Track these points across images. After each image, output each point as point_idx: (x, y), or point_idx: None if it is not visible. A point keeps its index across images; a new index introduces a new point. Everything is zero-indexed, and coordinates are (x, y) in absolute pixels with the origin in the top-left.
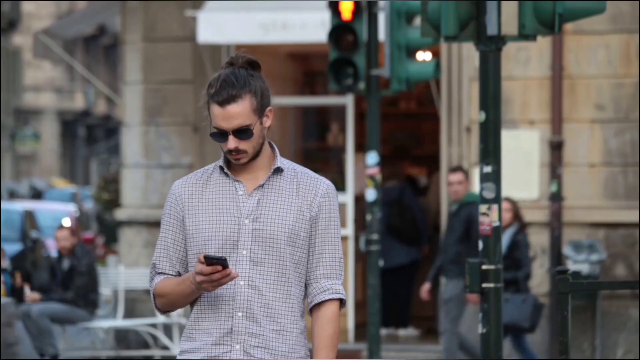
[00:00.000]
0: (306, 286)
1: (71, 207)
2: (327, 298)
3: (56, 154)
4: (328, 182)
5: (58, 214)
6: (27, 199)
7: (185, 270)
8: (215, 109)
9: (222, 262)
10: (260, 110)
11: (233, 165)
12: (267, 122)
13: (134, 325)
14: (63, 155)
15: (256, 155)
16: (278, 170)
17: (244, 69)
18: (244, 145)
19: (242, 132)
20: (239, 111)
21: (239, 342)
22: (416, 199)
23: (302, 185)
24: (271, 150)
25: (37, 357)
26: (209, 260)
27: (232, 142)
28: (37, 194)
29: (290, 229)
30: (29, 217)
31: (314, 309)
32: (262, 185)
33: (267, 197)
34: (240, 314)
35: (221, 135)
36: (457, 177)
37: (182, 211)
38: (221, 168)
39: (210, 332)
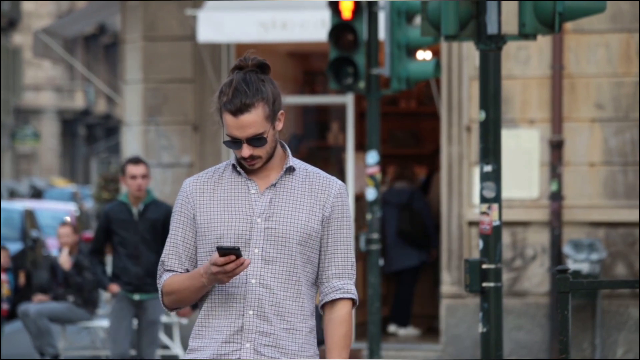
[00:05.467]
0: (318, 285)
1: (71, 206)
2: (338, 297)
3: (56, 153)
4: (340, 182)
5: (58, 213)
6: (27, 198)
7: (195, 268)
8: (228, 118)
9: (236, 252)
10: (272, 117)
11: None
12: (279, 125)
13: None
14: (63, 155)
15: (269, 157)
16: (290, 170)
17: (254, 74)
18: (258, 151)
19: (256, 140)
20: (252, 120)
21: (250, 340)
22: (426, 204)
23: (315, 185)
24: (283, 150)
25: (38, 357)
26: (222, 251)
27: (246, 151)
28: (37, 193)
29: (302, 229)
30: (29, 217)
31: (325, 307)
32: (274, 185)
33: (279, 197)
34: (251, 312)
35: (235, 143)
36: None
37: (192, 209)
38: (233, 166)
39: (221, 330)
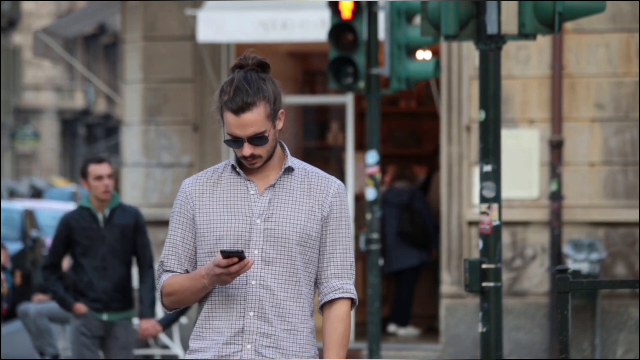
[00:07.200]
0: (317, 285)
1: (71, 206)
2: (337, 297)
3: (56, 153)
4: (339, 182)
5: (58, 213)
6: (27, 198)
7: (194, 269)
8: (229, 116)
9: (239, 254)
10: (273, 115)
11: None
12: (280, 124)
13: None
14: (63, 154)
15: (269, 157)
16: (289, 170)
17: (255, 73)
18: (258, 150)
19: (257, 139)
20: (253, 119)
21: (251, 341)
22: (427, 204)
23: (313, 185)
24: (282, 150)
25: (38, 357)
26: (225, 254)
27: (247, 149)
28: (37, 193)
29: (301, 229)
30: (29, 216)
31: (324, 307)
32: (273, 185)
33: (278, 197)
34: (252, 313)
35: (236, 142)
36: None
37: (192, 210)
38: (233, 167)
39: (221, 331)
